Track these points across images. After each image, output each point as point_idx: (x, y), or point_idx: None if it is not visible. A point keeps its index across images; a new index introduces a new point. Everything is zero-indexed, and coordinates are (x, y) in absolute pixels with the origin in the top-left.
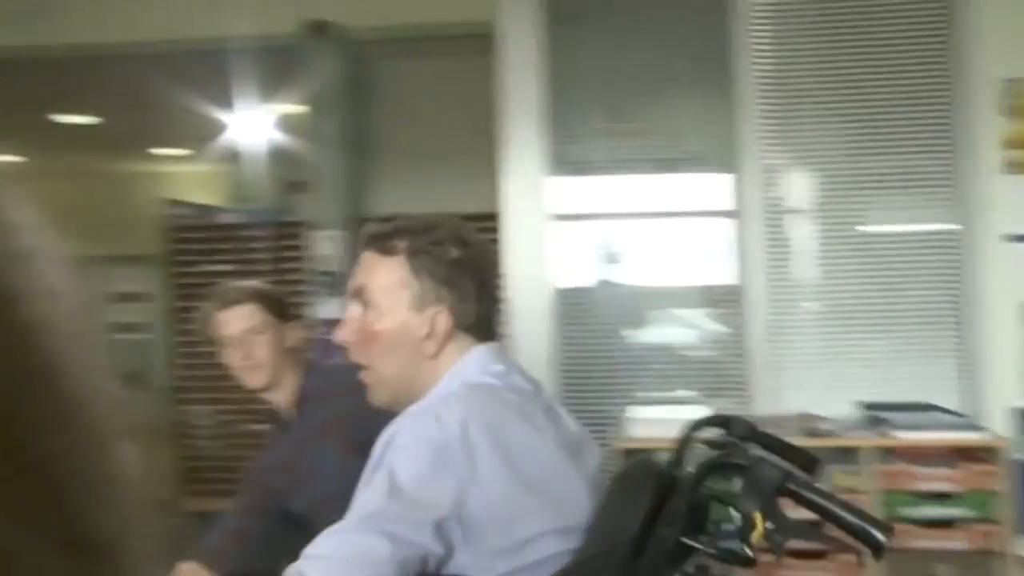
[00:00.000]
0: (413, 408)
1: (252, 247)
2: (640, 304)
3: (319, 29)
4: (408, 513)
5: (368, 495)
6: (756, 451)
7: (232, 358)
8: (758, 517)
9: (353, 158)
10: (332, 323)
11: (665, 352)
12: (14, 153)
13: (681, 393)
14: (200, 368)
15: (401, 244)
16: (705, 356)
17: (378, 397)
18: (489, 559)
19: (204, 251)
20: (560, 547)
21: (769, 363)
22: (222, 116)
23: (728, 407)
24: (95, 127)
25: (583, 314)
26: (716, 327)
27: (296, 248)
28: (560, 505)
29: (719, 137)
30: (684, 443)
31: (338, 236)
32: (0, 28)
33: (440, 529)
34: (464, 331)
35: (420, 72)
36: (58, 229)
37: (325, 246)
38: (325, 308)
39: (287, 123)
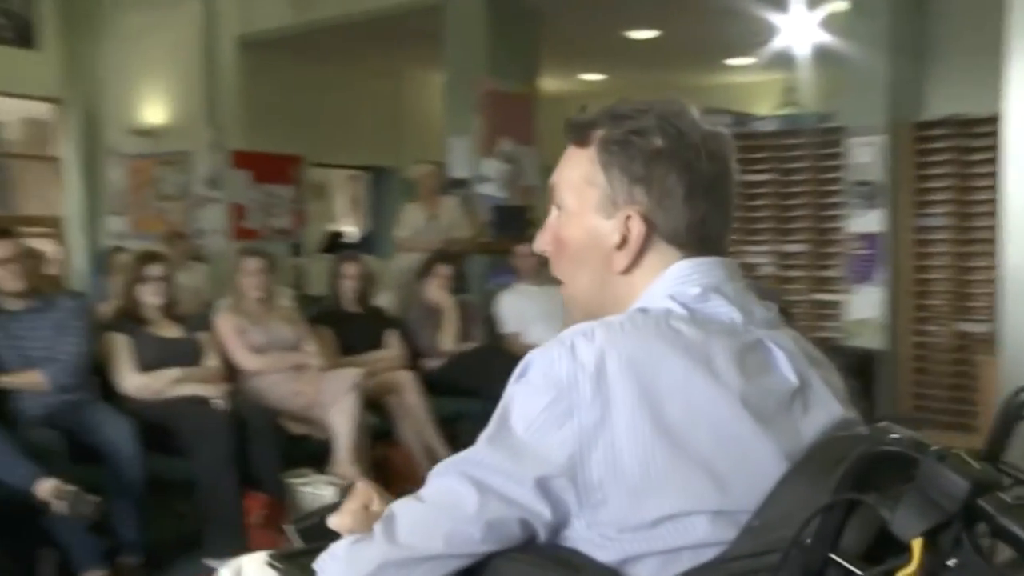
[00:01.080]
0: (564, 334)
1: (791, 155)
2: None
3: None
4: (507, 464)
5: (482, 434)
6: None
7: None
8: (916, 545)
9: (899, 60)
10: (867, 238)
11: None
12: (596, 71)
13: None
14: None
15: (597, 133)
16: None
17: (573, 319)
18: (611, 534)
19: (742, 160)
20: (717, 535)
21: None
22: (774, 20)
23: None
24: (660, 41)
25: None
26: None
27: (835, 156)
28: (725, 480)
29: None
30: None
31: (878, 143)
32: None
33: (545, 487)
34: (668, 242)
35: None
36: None
37: (863, 153)
38: (860, 221)
39: (833, 24)
